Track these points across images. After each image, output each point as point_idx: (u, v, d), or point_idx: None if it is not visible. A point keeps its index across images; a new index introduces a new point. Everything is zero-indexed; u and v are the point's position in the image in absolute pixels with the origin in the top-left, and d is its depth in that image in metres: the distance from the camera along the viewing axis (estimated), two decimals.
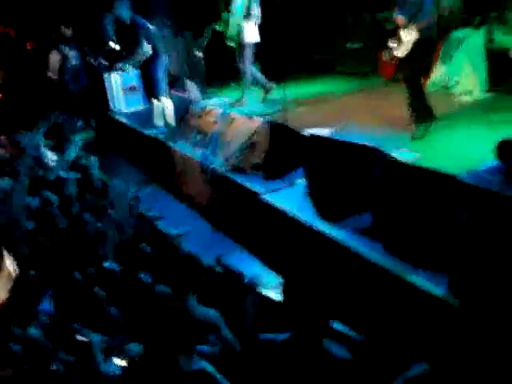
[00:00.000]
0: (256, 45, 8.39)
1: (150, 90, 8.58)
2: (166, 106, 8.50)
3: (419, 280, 3.71)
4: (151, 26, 8.27)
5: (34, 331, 3.87)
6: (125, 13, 8.09)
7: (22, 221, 5.81)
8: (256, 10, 8.02)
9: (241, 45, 8.51)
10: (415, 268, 3.80)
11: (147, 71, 8.45)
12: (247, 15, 8.11)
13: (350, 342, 3.82)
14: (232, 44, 8.77)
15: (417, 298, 3.67)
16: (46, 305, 4.09)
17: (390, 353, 3.55)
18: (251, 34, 8.26)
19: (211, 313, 3.49)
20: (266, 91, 8.72)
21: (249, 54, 8.43)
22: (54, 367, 3.23)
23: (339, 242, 4.41)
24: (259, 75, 8.56)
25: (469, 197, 3.30)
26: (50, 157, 7.76)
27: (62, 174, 7.27)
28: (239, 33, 8.43)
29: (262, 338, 2.55)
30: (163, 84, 8.47)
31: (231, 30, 8.59)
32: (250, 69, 8.56)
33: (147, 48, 8.11)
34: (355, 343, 3.89)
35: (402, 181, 4.15)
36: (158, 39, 8.32)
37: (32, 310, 4.08)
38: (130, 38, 8.29)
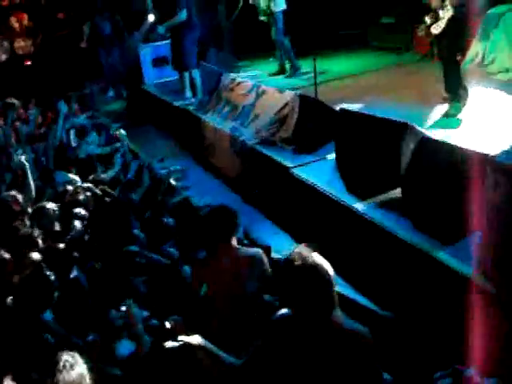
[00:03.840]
0: (285, 14, 8.46)
1: (180, 62, 8.44)
2: (195, 77, 8.49)
3: (446, 257, 3.70)
4: None
5: None
6: None
7: None
8: None
9: (273, 16, 8.53)
10: (443, 245, 3.79)
11: (178, 42, 8.33)
12: None
13: (370, 315, 3.83)
14: (263, 18, 8.76)
15: (444, 275, 3.67)
16: None
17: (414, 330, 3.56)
18: (280, 3, 8.44)
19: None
20: (294, 70, 8.70)
21: (281, 23, 8.48)
22: None
23: (367, 217, 4.42)
24: (291, 52, 8.59)
25: (503, 176, 3.23)
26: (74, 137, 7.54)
27: (90, 149, 7.18)
28: (269, 4, 8.45)
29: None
30: (193, 55, 8.36)
31: (261, 3, 8.61)
32: (285, 40, 8.60)
33: (183, 13, 7.93)
34: (377, 317, 3.92)
35: (432, 158, 4.11)
36: (192, 8, 8.22)
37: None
38: (167, 2, 8.18)
